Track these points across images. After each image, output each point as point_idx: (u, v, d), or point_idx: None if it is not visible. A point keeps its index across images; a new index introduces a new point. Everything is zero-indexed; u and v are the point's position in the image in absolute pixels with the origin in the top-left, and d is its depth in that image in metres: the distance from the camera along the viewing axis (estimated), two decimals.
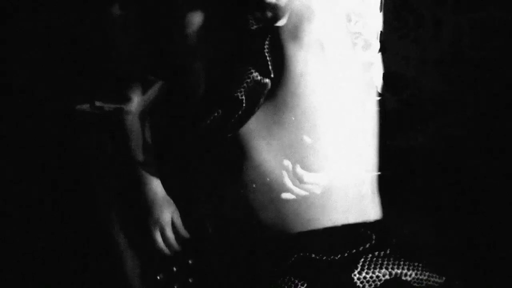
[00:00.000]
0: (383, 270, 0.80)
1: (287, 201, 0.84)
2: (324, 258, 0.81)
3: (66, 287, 1.08)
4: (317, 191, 0.84)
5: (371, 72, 0.91)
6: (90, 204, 1.02)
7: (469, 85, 1.03)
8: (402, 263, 0.81)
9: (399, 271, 0.80)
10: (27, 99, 1.10)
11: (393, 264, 0.80)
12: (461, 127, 1.02)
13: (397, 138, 1.02)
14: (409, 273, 0.80)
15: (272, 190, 0.86)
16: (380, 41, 0.93)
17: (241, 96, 0.84)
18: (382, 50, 0.93)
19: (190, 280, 0.96)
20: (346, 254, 0.80)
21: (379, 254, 0.80)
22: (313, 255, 0.81)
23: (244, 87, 0.84)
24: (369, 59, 0.92)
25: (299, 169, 0.85)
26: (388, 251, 0.81)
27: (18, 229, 1.10)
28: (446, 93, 1.02)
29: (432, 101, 1.00)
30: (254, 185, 0.86)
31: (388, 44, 0.95)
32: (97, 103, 0.97)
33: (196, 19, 0.90)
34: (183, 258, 0.95)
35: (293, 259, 0.81)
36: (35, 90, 1.10)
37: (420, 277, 0.81)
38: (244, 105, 0.84)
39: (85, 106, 0.97)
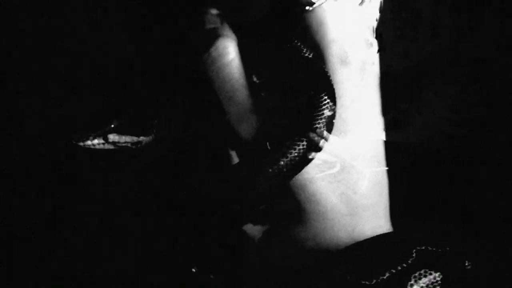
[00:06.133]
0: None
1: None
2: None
3: None
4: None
5: (370, 72, 0.92)
6: None
7: (469, 85, 1.03)
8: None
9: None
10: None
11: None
12: (460, 127, 1.02)
13: (397, 137, 1.02)
14: None
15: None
16: (380, 41, 0.93)
17: (323, 127, 0.75)
18: (381, 49, 0.93)
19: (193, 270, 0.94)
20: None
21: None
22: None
23: (324, 117, 0.76)
24: (369, 59, 0.92)
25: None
26: None
27: None
28: (446, 92, 1.02)
29: (432, 101, 1.01)
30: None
31: (388, 43, 0.96)
32: (111, 137, 0.88)
33: (233, 55, 0.83)
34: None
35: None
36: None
37: None
38: (324, 135, 0.76)
39: (95, 142, 0.88)
